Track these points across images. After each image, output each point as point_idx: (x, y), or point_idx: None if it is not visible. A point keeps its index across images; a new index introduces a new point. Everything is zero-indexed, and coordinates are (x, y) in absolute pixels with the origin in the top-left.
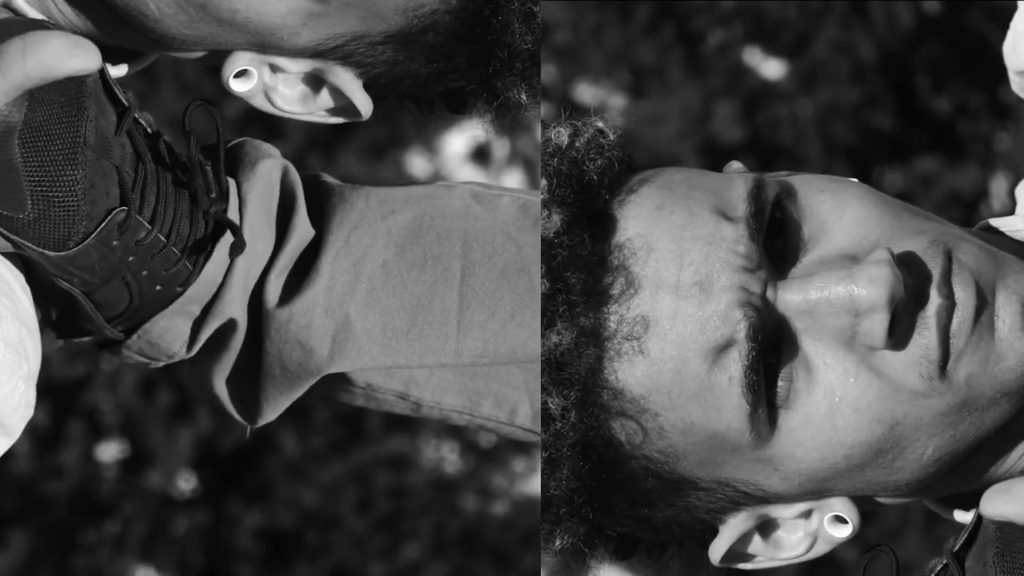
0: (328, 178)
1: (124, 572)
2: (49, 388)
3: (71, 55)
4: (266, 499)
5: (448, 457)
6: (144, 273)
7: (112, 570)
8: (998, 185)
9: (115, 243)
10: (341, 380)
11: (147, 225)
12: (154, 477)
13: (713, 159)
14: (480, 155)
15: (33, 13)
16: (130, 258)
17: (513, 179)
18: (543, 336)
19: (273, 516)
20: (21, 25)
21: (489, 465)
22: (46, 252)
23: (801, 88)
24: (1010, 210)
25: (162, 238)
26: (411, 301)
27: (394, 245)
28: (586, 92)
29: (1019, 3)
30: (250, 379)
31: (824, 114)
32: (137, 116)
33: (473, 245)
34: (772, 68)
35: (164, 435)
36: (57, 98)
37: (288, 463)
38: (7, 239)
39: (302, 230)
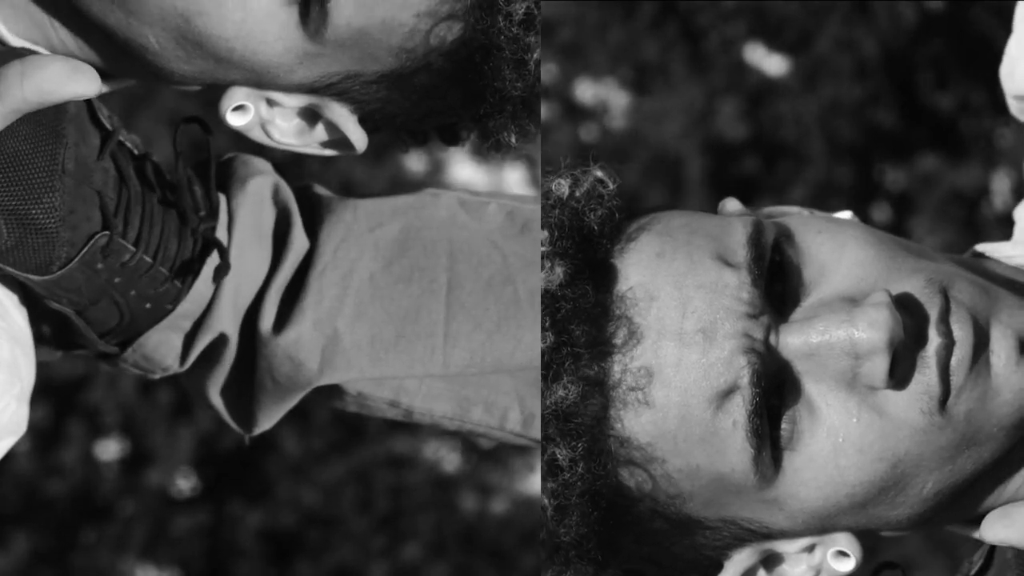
0: (319, 189)
1: (125, 572)
2: (49, 387)
3: (70, 79)
4: (267, 499)
5: (448, 456)
6: (132, 293)
7: (113, 570)
8: (1000, 182)
9: (99, 266)
10: (333, 388)
11: (131, 248)
12: (154, 476)
13: (716, 156)
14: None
15: (17, 42)
16: (116, 279)
17: (514, 176)
18: (548, 389)
19: (274, 516)
20: (12, 54)
21: (488, 464)
22: (30, 276)
23: (804, 85)
24: (1011, 208)
25: (148, 259)
26: (398, 313)
27: (381, 258)
28: (589, 90)
29: (1015, 28)
30: (245, 390)
31: (827, 111)
32: (123, 139)
33: (459, 256)
34: (775, 65)
35: (164, 434)
36: (32, 127)
37: (289, 463)
38: None
39: (299, 245)
